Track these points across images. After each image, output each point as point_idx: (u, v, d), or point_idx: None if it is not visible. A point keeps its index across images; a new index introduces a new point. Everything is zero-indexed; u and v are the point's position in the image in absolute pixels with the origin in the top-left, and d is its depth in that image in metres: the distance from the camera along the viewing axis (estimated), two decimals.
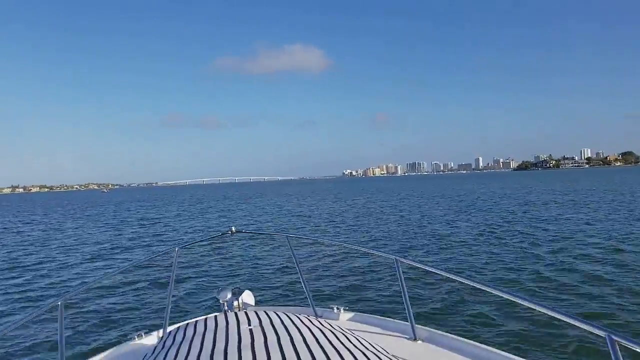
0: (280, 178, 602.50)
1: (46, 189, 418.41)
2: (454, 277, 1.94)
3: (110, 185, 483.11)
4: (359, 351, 1.13)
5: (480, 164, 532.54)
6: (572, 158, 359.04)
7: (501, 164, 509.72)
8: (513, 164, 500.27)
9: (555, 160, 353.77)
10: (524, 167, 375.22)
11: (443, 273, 1.99)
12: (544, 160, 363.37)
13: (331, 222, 18.28)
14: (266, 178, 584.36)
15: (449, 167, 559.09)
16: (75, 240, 16.66)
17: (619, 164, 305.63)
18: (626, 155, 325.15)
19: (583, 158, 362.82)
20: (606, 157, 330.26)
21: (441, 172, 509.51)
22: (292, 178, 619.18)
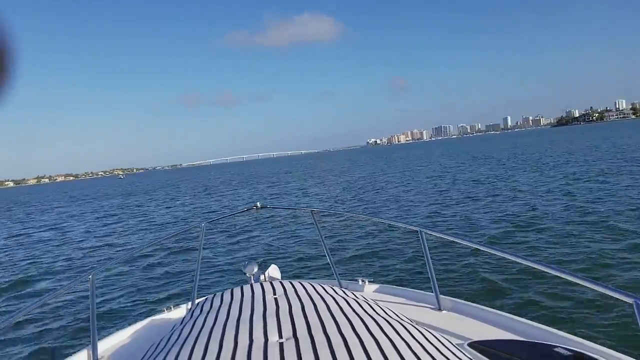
0: (303, 152, 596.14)
1: (71, 178, 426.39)
2: (479, 247, 1.91)
3: (135, 170, 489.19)
4: (383, 319, 1.13)
5: (509, 123, 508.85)
6: (617, 109, 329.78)
7: (531, 121, 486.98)
8: (543, 121, 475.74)
9: (599, 113, 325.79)
10: (564, 122, 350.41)
11: (468, 243, 2.00)
12: (587, 113, 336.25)
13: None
14: (289, 153, 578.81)
15: (477, 128, 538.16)
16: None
17: None
18: None
19: (618, 109, 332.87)
20: None
21: (469, 135, 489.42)
22: (316, 151, 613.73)
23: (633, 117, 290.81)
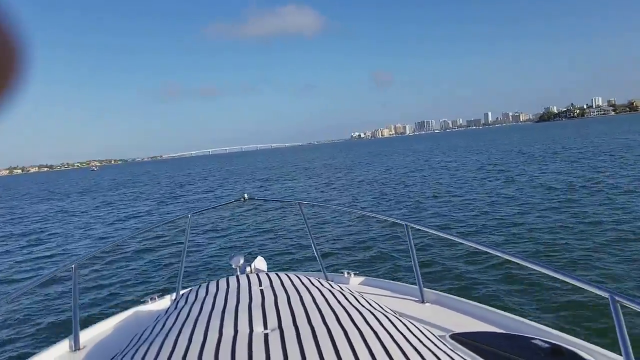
0: (287, 144, 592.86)
1: (46, 169, 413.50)
2: (463, 242, 1.94)
3: (112, 161, 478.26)
4: (367, 311, 1.14)
5: (490, 119, 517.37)
6: (595, 105, 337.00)
7: (510, 117, 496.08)
8: (523, 117, 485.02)
9: (580, 109, 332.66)
10: (546, 118, 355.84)
11: (452, 237, 2.02)
12: (568, 109, 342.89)
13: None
14: (273, 145, 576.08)
15: (458, 123, 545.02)
16: None
17: None
18: None
19: (599, 106, 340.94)
20: (632, 103, 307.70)
21: (450, 130, 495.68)
22: (300, 144, 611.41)
23: (613, 113, 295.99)
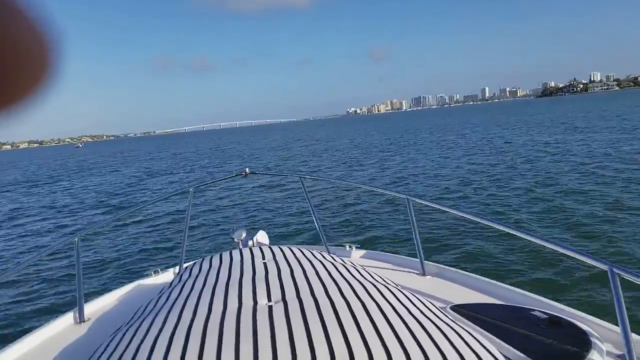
0: (283, 120, 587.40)
1: (36, 145, 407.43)
2: (463, 214, 1.95)
3: (105, 137, 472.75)
4: (370, 283, 1.15)
5: (487, 94, 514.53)
6: (600, 80, 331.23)
7: (507, 93, 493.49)
8: (520, 92, 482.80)
9: (584, 84, 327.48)
10: (548, 93, 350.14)
11: (452, 211, 2.01)
12: (571, 84, 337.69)
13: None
14: (269, 121, 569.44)
15: (455, 99, 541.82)
16: None
17: None
18: None
19: (602, 81, 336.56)
20: (637, 77, 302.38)
21: (447, 105, 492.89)
22: (296, 119, 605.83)
23: (617, 88, 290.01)
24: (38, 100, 0.20)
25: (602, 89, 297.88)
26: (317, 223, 2.60)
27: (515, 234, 1.63)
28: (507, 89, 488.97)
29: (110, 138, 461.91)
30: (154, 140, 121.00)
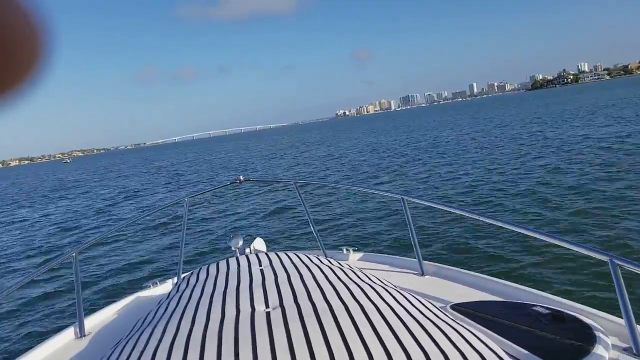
0: (272, 126, 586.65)
1: (27, 161, 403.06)
2: (459, 212, 1.96)
3: (95, 151, 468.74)
4: (368, 286, 1.14)
5: (475, 90, 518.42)
6: (590, 70, 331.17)
7: (496, 87, 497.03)
8: (508, 87, 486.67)
9: (574, 75, 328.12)
10: (538, 85, 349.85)
11: (448, 209, 2.03)
12: (560, 75, 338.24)
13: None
14: (258, 127, 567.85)
15: (443, 96, 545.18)
16: None
17: None
18: None
19: (592, 71, 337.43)
20: (627, 66, 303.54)
21: (437, 103, 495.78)
22: (285, 124, 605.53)
23: (608, 77, 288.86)
24: (30, 89, 0.20)
25: (592, 79, 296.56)
26: (313, 227, 2.60)
27: (513, 229, 1.62)
28: (495, 84, 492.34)
29: (101, 151, 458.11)
30: (143, 152, 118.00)
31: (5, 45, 0.17)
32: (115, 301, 2.21)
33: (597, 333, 1.29)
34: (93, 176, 34.68)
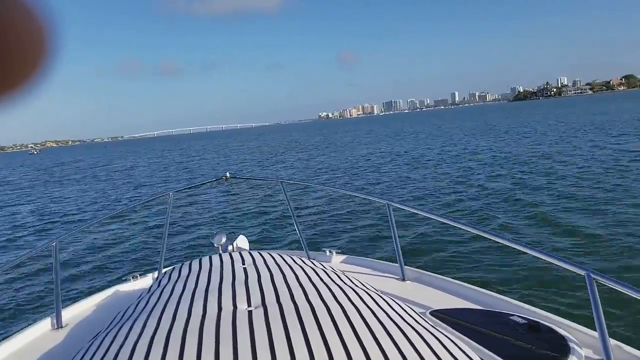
0: (254, 125, 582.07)
1: None
2: (442, 220, 1.97)
3: (70, 142, 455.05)
4: (350, 288, 1.15)
5: (457, 99, 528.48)
6: (574, 84, 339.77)
7: (477, 97, 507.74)
8: (489, 97, 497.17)
9: (557, 88, 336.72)
10: (521, 97, 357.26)
11: (432, 216, 2.04)
12: (544, 88, 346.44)
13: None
14: (239, 126, 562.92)
15: (425, 103, 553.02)
16: None
17: (622, 88, 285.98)
18: (629, 79, 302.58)
19: (559, 85, 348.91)
20: (609, 82, 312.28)
21: (418, 110, 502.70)
22: (267, 124, 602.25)
23: (590, 92, 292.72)
24: (35, 86, 0.19)
25: (575, 93, 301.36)
26: (297, 228, 2.60)
27: (495, 239, 1.65)
28: (477, 94, 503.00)
29: (77, 143, 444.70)
30: (118, 147, 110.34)
31: (8, 44, 0.17)
32: (94, 293, 2.18)
33: (571, 344, 1.32)
34: (34, 175, 29.10)
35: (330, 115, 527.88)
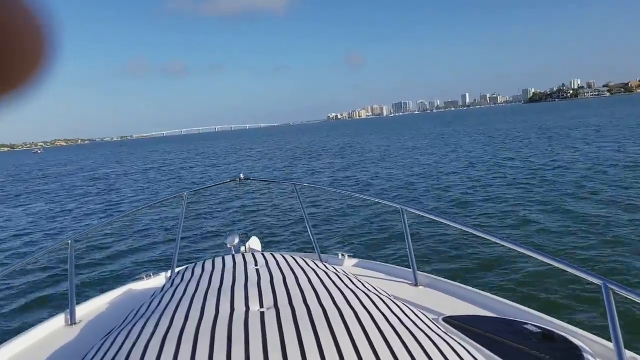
0: (262, 125, 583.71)
1: (6, 148, 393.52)
2: (457, 226, 1.94)
3: (79, 141, 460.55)
4: (362, 292, 1.15)
5: (467, 100, 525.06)
6: (591, 86, 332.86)
7: (488, 99, 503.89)
8: (500, 99, 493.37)
9: (574, 89, 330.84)
10: (536, 99, 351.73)
11: (447, 222, 2.01)
12: (560, 89, 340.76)
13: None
14: (248, 126, 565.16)
15: (435, 104, 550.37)
16: None
17: None
18: None
19: (576, 87, 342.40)
20: (627, 83, 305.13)
21: (428, 111, 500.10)
22: (276, 124, 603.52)
23: (608, 94, 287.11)
24: (36, 87, 0.19)
25: (592, 95, 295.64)
26: (310, 230, 2.61)
27: (510, 247, 1.62)
28: (488, 95, 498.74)
29: (86, 142, 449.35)
30: (124, 146, 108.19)
31: (8, 43, 0.17)
32: (107, 291, 2.19)
33: (585, 355, 1.29)
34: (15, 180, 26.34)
35: (339, 116, 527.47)
